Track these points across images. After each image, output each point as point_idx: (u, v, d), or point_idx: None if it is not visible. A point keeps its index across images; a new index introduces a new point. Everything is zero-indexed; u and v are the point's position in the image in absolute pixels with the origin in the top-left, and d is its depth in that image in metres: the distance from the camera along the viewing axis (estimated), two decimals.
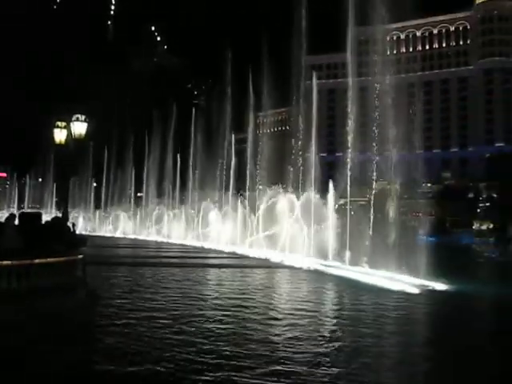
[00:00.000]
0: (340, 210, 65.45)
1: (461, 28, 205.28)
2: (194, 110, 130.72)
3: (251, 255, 68.86)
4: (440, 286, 37.59)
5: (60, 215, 33.15)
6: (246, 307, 28.21)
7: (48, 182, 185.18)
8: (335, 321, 25.55)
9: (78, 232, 32.68)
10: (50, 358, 16.84)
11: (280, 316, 25.92)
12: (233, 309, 27.56)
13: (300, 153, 77.24)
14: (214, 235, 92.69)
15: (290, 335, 21.53)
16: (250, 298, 32.15)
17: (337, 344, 20.39)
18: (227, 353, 18.30)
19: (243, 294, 33.84)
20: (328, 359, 17.96)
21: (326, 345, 20.21)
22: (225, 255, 72.04)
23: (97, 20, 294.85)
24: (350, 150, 57.55)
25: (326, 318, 26.55)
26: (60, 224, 25.03)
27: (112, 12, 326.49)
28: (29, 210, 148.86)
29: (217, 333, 21.57)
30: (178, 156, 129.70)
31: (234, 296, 32.60)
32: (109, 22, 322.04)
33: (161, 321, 23.69)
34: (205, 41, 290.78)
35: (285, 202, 70.36)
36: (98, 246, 68.10)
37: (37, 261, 19.79)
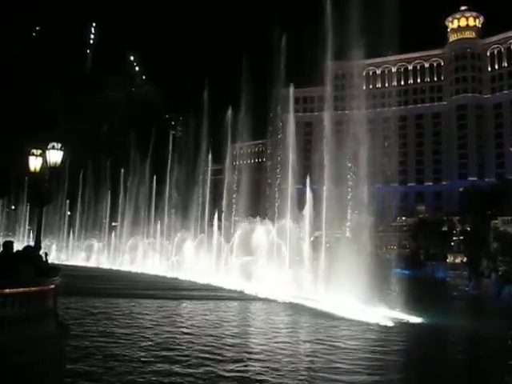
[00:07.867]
0: (316, 243, 65.31)
1: (435, 65, 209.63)
2: (170, 140, 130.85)
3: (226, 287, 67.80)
4: (415, 320, 37.58)
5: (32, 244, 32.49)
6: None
7: (21, 210, 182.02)
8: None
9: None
10: None
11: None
12: None
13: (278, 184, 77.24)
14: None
15: None
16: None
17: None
18: None
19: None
20: None
21: None
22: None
23: (75, 48, 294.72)
24: (326, 183, 57.69)
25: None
26: (32, 253, 24.49)
27: (91, 41, 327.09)
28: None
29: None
30: (154, 181, 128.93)
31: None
32: (87, 51, 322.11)
33: None
34: (183, 71, 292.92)
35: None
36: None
37: (7, 290, 19.25)
